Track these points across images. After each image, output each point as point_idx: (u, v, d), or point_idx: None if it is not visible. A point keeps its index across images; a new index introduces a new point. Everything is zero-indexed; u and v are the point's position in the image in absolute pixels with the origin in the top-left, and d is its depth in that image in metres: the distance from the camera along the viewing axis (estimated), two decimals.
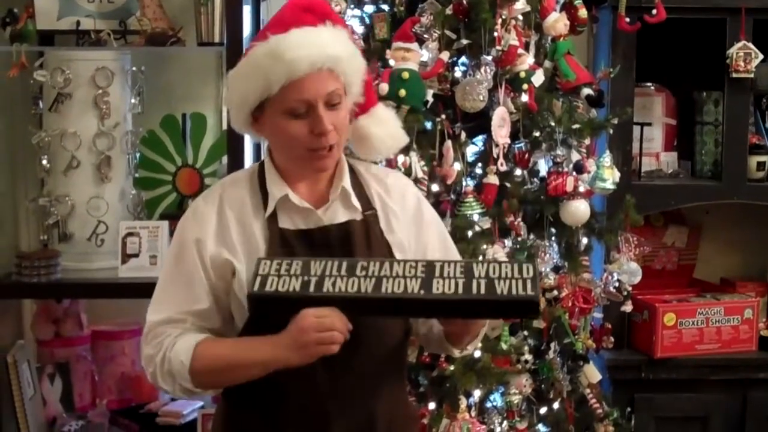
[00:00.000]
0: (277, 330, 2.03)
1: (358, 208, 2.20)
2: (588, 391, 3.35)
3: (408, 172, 2.93)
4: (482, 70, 3.06)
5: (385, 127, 2.30)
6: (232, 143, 3.26)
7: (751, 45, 3.68)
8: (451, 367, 3.02)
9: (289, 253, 2.11)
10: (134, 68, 3.56)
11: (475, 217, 3.07)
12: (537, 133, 3.23)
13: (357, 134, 2.29)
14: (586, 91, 3.27)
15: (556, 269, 3.25)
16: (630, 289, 3.37)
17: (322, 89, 2.07)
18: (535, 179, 3.32)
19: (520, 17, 3.18)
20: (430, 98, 3.08)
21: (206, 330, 2.13)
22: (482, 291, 1.97)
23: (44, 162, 3.44)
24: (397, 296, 1.98)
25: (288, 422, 2.15)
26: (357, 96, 2.20)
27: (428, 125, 3.12)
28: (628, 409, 3.62)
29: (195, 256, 2.12)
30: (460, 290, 1.98)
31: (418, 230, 2.27)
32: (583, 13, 3.39)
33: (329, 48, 2.07)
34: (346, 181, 2.20)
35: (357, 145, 2.32)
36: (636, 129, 3.79)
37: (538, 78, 3.18)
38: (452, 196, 3.13)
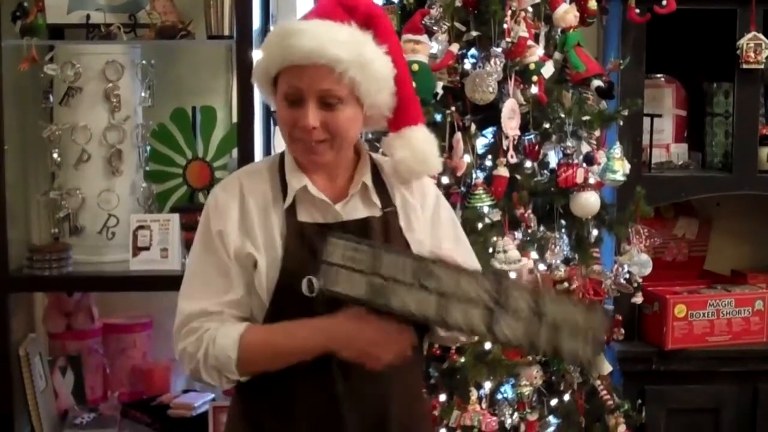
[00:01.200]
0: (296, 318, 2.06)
1: (377, 204, 2.18)
2: (599, 382, 3.35)
3: None
4: (492, 62, 3.07)
5: (413, 150, 2.21)
6: (242, 136, 3.27)
7: (761, 36, 3.67)
8: (462, 359, 3.03)
9: (309, 249, 2.09)
10: (144, 61, 3.56)
11: (485, 209, 3.07)
12: (547, 125, 3.23)
13: (385, 151, 2.27)
14: (596, 82, 3.27)
15: (566, 261, 3.25)
16: (640, 280, 3.38)
17: (315, 84, 2.04)
18: (545, 171, 3.32)
19: (530, 9, 3.18)
20: (439, 90, 3.08)
21: (241, 320, 2.11)
22: (544, 343, 1.97)
23: (55, 156, 3.45)
24: (459, 326, 1.98)
25: (302, 419, 2.14)
26: (385, 102, 2.14)
27: (438, 117, 3.13)
28: (639, 400, 3.62)
29: (221, 247, 2.11)
30: (523, 336, 1.97)
31: (434, 230, 2.26)
32: (593, 4, 3.38)
33: (332, 47, 2.02)
34: (367, 177, 2.18)
35: (386, 161, 2.28)
36: (646, 120, 3.79)
37: (548, 70, 3.18)
38: (462, 188, 3.13)
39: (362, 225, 2.15)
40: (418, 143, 2.22)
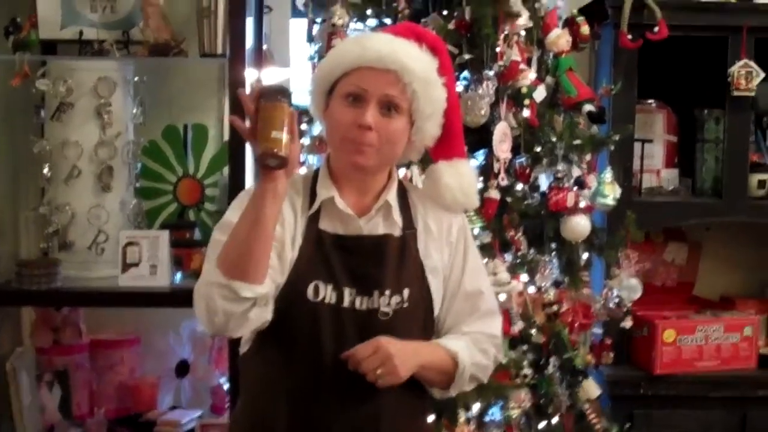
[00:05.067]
0: (294, 327, 2.11)
1: (398, 224, 2.22)
2: (587, 406, 3.34)
3: None
4: (484, 85, 3.07)
5: (461, 181, 2.30)
6: (233, 154, 3.27)
7: (752, 63, 3.68)
8: None
9: (323, 256, 2.15)
10: (136, 78, 3.57)
11: (476, 231, 3.07)
12: (538, 149, 3.24)
13: (430, 176, 2.34)
14: (588, 107, 3.28)
15: (556, 284, 3.25)
16: (630, 305, 3.37)
17: (381, 87, 2.11)
18: (536, 194, 3.31)
19: (523, 33, 3.18)
20: None
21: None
22: None
23: (45, 171, 3.45)
24: None
25: (287, 427, 2.15)
26: (431, 130, 2.21)
27: None
28: (627, 424, 3.61)
29: None
30: None
31: (453, 262, 2.29)
32: (585, 29, 3.39)
33: (405, 56, 2.13)
34: (392, 196, 2.23)
35: (427, 185, 2.35)
36: (637, 145, 3.80)
37: (540, 93, 3.19)
38: None
39: (379, 241, 2.20)
40: (467, 176, 2.33)
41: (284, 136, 1.97)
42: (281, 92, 2.00)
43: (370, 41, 2.17)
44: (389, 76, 2.12)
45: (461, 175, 2.31)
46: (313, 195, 2.22)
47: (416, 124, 2.18)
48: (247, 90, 2.11)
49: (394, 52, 2.12)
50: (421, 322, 2.23)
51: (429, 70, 2.17)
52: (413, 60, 2.14)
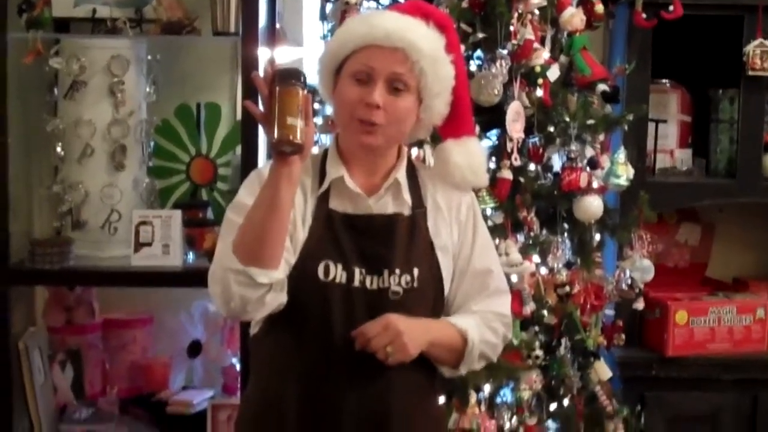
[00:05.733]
0: (305, 307, 2.11)
1: (408, 202, 2.23)
2: (598, 388, 3.34)
3: None
4: (497, 64, 3.06)
5: (469, 160, 2.31)
6: (246, 133, 3.27)
7: None
8: None
9: (332, 235, 2.15)
10: (149, 57, 3.56)
11: (488, 212, 3.07)
12: (551, 128, 3.22)
13: (439, 155, 2.34)
14: (602, 86, 3.26)
15: (568, 265, 3.24)
16: (642, 286, 3.36)
17: (388, 66, 2.12)
18: (549, 174, 3.31)
19: (537, 12, 3.17)
20: None
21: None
22: None
23: (58, 149, 3.45)
24: None
25: (300, 413, 2.16)
26: (439, 108, 2.21)
27: None
28: (638, 407, 3.61)
29: None
30: None
31: (461, 240, 2.29)
32: (599, 8, 3.37)
33: (412, 34, 2.13)
34: (401, 175, 2.23)
35: (436, 164, 2.35)
36: (651, 125, 3.78)
37: (554, 73, 3.18)
38: None
39: (389, 220, 2.20)
40: (476, 154, 2.34)
41: (299, 122, 1.96)
42: (296, 75, 1.98)
43: (376, 19, 2.17)
44: (397, 54, 2.12)
45: (470, 154, 2.32)
46: (322, 175, 2.22)
47: (424, 102, 2.18)
48: (260, 70, 2.11)
49: (402, 30, 2.12)
50: (431, 300, 2.23)
51: (437, 47, 2.17)
52: (421, 38, 2.14)
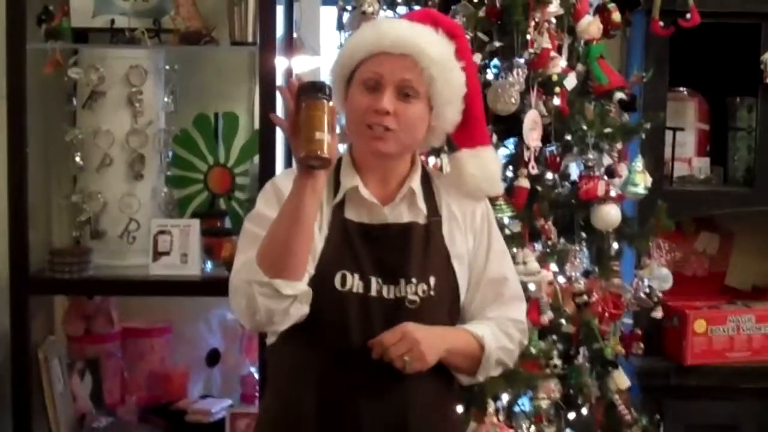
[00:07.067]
0: (321, 317, 2.11)
1: (423, 211, 2.23)
2: (617, 397, 3.33)
3: None
4: (514, 72, 3.06)
5: (484, 169, 2.30)
6: (264, 143, 3.28)
7: None
8: None
9: (348, 245, 2.15)
10: (167, 67, 3.58)
11: (506, 220, 3.06)
12: (569, 137, 3.22)
13: (453, 164, 2.35)
14: (619, 95, 3.26)
15: (586, 274, 3.24)
16: (660, 295, 3.35)
17: (397, 72, 2.12)
18: (566, 183, 3.31)
19: (554, 20, 3.16)
20: None
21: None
22: None
23: (77, 159, 3.47)
24: None
25: (319, 420, 2.16)
26: (451, 116, 2.21)
27: None
28: (657, 416, 3.59)
29: None
30: None
31: (476, 249, 2.29)
32: (616, 16, 3.37)
33: (420, 40, 2.13)
34: (416, 183, 2.23)
35: (451, 173, 2.36)
36: (668, 134, 3.77)
37: (571, 81, 3.17)
38: None
39: (405, 229, 2.20)
40: (490, 164, 2.33)
41: (326, 136, 1.96)
42: (321, 88, 1.98)
43: (384, 27, 2.18)
44: (405, 61, 2.12)
45: (484, 163, 2.31)
46: (337, 184, 2.22)
47: (435, 109, 2.18)
48: (279, 80, 2.12)
49: (409, 37, 2.13)
50: (447, 309, 2.23)
51: (446, 53, 2.17)
52: (429, 44, 2.14)
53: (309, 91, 1.98)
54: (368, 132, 2.14)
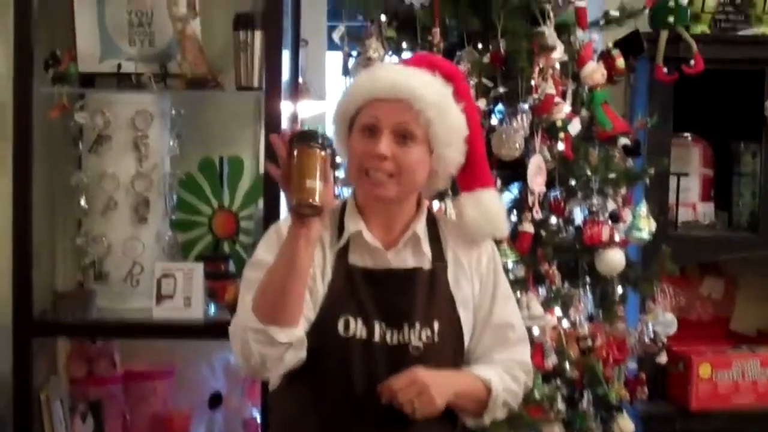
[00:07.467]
0: (324, 362, 2.11)
1: (427, 255, 2.23)
2: None
3: None
4: (519, 118, 3.07)
5: (485, 211, 2.29)
6: (268, 187, 3.28)
7: None
8: None
9: (352, 290, 2.15)
10: (173, 111, 3.60)
11: (510, 265, 3.06)
12: (573, 182, 3.23)
13: (456, 209, 2.35)
14: (623, 140, 3.27)
15: (590, 318, 3.24)
16: (665, 340, 3.35)
17: (393, 116, 2.12)
18: (571, 227, 3.31)
19: (558, 66, 3.19)
20: None
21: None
22: None
23: (82, 202, 3.47)
24: None
25: None
26: (452, 157, 2.21)
27: None
28: None
29: None
30: None
31: (482, 293, 2.29)
32: (620, 62, 3.38)
33: (415, 84, 2.14)
34: (420, 227, 2.23)
35: (456, 218, 2.36)
36: (672, 179, 3.78)
37: (575, 127, 3.19)
38: None
39: (409, 275, 2.20)
40: (489, 205, 2.31)
41: (318, 184, 1.97)
42: (314, 137, 1.99)
43: (380, 73, 2.20)
44: (401, 105, 2.13)
45: (483, 206, 2.30)
46: (341, 228, 2.22)
47: (436, 152, 2.18)
48: (284, 125, 2.12)
49: (404, 81, 2.14)
50: (451, 354, 2.23)
51: (442, 96, 2.17)
52: (423, 87, 2.15)
53: (301, 140, 1.99)
54: (367, 177, 2.15)
